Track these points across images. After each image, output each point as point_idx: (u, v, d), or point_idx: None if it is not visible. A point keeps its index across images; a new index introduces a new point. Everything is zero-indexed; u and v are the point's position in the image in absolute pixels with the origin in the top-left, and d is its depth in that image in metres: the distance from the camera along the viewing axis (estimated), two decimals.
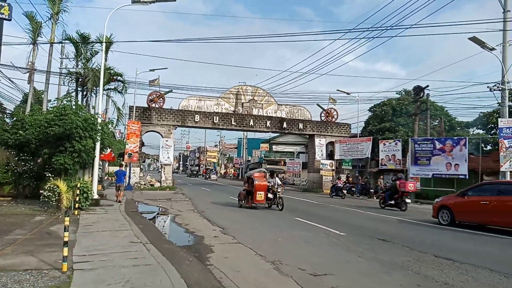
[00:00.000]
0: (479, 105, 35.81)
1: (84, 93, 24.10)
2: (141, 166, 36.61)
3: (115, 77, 24.41)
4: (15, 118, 15.44)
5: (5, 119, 21.41)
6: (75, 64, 24.36)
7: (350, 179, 28.54)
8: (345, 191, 24.86)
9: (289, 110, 32.98)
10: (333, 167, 31.80)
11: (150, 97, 29.30)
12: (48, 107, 20.51)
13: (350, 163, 32.04)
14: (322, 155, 32.56)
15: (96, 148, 14.18)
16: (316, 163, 32.57)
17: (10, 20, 12.40)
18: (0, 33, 13.18)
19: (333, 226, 11.00)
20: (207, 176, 59.40)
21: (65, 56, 25.37)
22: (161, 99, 29.47)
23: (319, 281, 5.61)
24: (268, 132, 36.96)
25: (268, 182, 15.26)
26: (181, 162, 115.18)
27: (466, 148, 20.87)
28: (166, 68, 34.08)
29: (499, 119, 18.72)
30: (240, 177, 63.35)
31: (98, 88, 19.65)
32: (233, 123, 30.85)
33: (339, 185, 25.46)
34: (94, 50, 24.00)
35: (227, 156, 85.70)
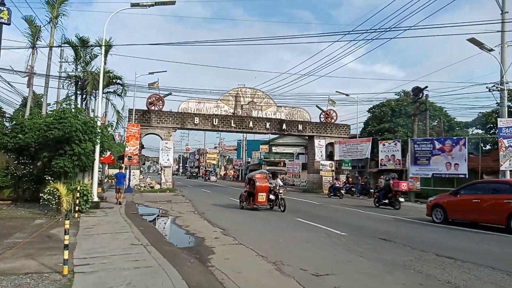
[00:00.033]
0: (478, 105, 35.95)
1: (84, 96, 24.13)
2: (141, 169, 36.61)
3: (114, 80, 24.43)
4: (14, 122, 15.43)
5: (4, 123, 21.37)
6: (74, 67, 24.40)
7: (350, 179, 28.58)
8: (343, 191, 25.10)
9: (289, 111, 33.00)
10: (333, 168, 31.80)
11: (149, 100, 29.30)
12: (47, 111, 20.49)
13: (349, 164, 32.06)
14: (321, 156, 32.57)
15: (96, 151, 14.16)
16: (315, 164, 32.57)
17: (9, 24, 12.36)
18: None
19: (334, 226, 11.00)
20: (207, 178, 59.65)
21: (65, 59, 25.42)
22: (160, 101, 29.47)
23: (321, 281, 5.59)
24: (267, 133, 36.97)
25: (270, 183, 15.15)
26: (180, 164, 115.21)
27: (465, 147, 20.88)
28: (166, 71, 34.19)
29: (499, 119, 18.76)
30: (239, 179, 63.37)
31: (97, 91, 19.68)
32: (232, 125, 30.86)
33: (337, 185, 25.68)
34: (94, 54, 24.07)
35: (227, 157, 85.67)
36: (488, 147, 30.00)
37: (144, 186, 27.69)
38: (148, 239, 8.25)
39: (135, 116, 28.09)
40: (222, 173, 77.28)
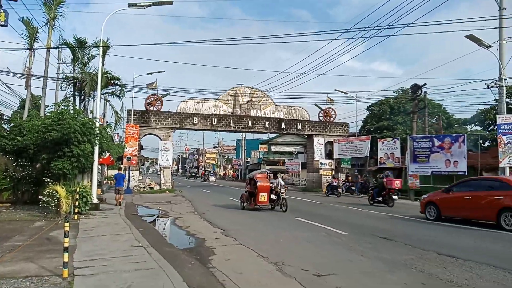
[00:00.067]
0: (477, 102, 35.92)
1: (82, 97, 24.10)
2: (140, 169, 36.52)
3: (112, 81, 24.39)
4: (12, 124, 15.38)
5: (2, 125, 21.31)
6: (72, 68, 24.36)
7: (350, 177, 28.59)
8: (340, 190, 25.27)
9: (287, 110, 32.98)
10: (332, 167, 31.80)
11: (148, 100, 29.25)
12: (45, 112, 20.43)
13: (349, 162, 32.04)
14: (321, 154, 32.56)
15: (95, 152, 14.12)
16: (315, 162, 32.56)
17: (6, 26, 12.31)
18: None
19: (334, 225, 10.98)
20: (206, 178, 59.79)
21: (62, 61, 25.34)
22: (159, 102, 29.42)
23: (322, 281, 5.57)
24: (266, 133, 36.93)
25: (271, 183, 14.97)
26: (180, 165, 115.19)
27: (464, 144, 20.88)
28: (164, 71, 34.04)
29: (497, 116, 18.75)
30: (239, 178, 63.39)
31: (95, 92, 19.65)
32: (231, 124, 30.82)
33: (334, 184, 25.80)
34: (91, 55, 24.07)
35: (226, 157, 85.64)
36: (487, 143, 30.02)
37: (144, 187, 27.66)
38: (148, 240, 8.22)
39: (133, 117, 28.04)
40: (222, 173, 77.27)
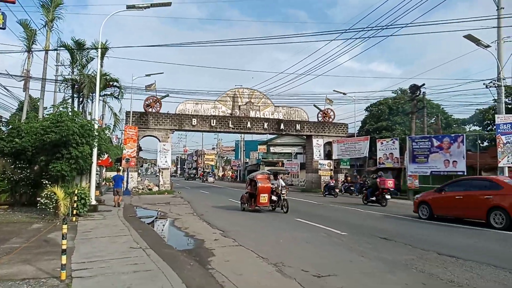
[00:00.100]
0: (475, 102, 35.97)
1: (80, 99, 24.01)
2: (139, 171, 36.46)
3: (111, 83, 24.34)
4: (11, 126, 15.33)
5: (1, 127, 21.23)
6: (70, 70, 24.26)
7: (349, 178, 28.58)
8: (337, 190, 25.49)
9: (286, 111, 32.95)
10: (331, 167, 31.79)
11: (146, 102, 29.21)
12: (44, 115, 20.37)
13: (348, 163, 32.03)
14: (320, 155, 32.54)
15: (93, 154, 14.07)
16: (314, 163, 32.54)
17: (4, 28, 12.28)
18: None
19: (333, 225, 10.95)
20: (204, 179, 59.88)
21: (61, 63, 25.33)
22: (157, 103, 29.39)
23: (323, 282, 5.53)
24: (265, 134, 36.90)
25: (272, 183, 14.82)
26: (178, 166, 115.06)
27: (463, 144, 20.87)
28: (162, 73, 33.96)
29: (496, 116, 18.76)
30: (238, 179, 63.35)
31: (94, 94, 19.59)
32: (230, 125, 30.79)
33: (331, 184, 25.96)
34: (90, 57, 23.97)
35: (225, 158, 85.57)
36: (485, 143, 30.03)
37: (142, 188, 27.60)
38: (147, 242, 8.17)
39: (132, 119, 27.99)
40: (220, 174, 77.20)
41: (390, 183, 18.62)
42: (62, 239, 5.41)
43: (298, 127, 32.57)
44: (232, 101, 31.35)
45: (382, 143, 26.66)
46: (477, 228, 10.75)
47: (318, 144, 32.69)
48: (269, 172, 16.27)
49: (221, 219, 12.62)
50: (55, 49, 23.69)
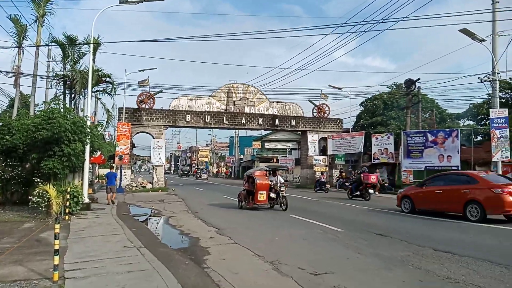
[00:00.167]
0: (469, 96, 36.18)
1: (72, 95, 23.76)
2: (132, 168, 36.26)
3: (103, 79, 24.09)
4: (1, 123, 15.04)
5: None
6: (62, 66, 23.97)
7: (344, 173, 28.61)
8: (328, 186, 25.69)
9: (281, 107, 32.85)
10: (326, 163, 31.81)
11: (140, 98, 28.93)
12: (35, 111, 20.09)
13: (343, 158, 32.07)
14: (315, 151, 32.51)
15: (86, 151, 13.91)
16: (309, 159, 32.53)
17: None
18: None
19: (329, 222, 10.91)
20: (198, 176, 59.98)
21: (52, 59, 24.95)
22: (151, 99, 29.13)
23: (320, 280, 5.47)
24: (260, 129, 36.82)
25: (270, 180, 14.37)
26: (172, 163, 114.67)
27: (458, 139, 20.94)
28: (156, 68, 33.66)
29: (490, 110, 18.80)
30: (232, 176, 63.29)
31: (86, 90, 19.34)
32: (225, 121, 30.63)
33: (323, 180, 26.04)
34: (82, 52, 23.68)
35: (219, 155, 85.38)
36: (479, 138, 30.22)
37: (136, 186, 27.41)
38: (141, 240, 8.07)
39: (125, 115, 27.70)
40: (215, 170, 77.07)
41: (373, 178, 19.37)
42: (55, 238, 5.30)
43: (293, 122, 32.51)
44: (226, 97, 31.17)
45: (377, 138, 26.69)
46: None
47: (313, 139, 32.66)
48: (268, 169, 15.77)
49: (216, 217, 12.53)
50: (47, 45, 23.38)
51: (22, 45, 21.12)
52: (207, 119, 30.17)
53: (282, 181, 15.05)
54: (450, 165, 20.90)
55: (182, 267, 6.09)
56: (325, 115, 33.80)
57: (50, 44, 23.30)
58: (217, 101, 31.00)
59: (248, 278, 5.61)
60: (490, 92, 18.89)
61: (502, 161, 18.07)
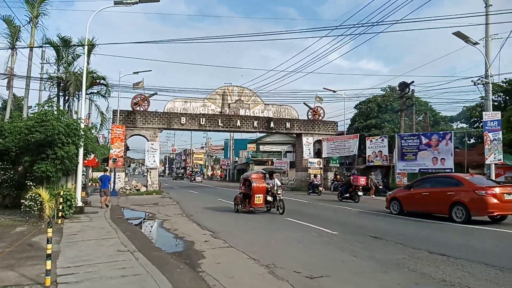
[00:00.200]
0: (462, 99, 36.48)
1: (66, 98, 23.57)
2: (126, 171, 36.01)
3: (98, 81, 23.95)
4: None
5: None
6: (56, 68, 23.79)
7: (338, 176, 28.63)
8: (321, 188, 26.09)
9: (276, 109, 32.86)
10: (321, 165, 31.86)
11: (134, 100, 28.78)
12: (28, 114, 19.90)
13: (337, 161, 32.15)
14: (309, 153, 32.55)
15: (79, 154, 13.77)
16: (304, 161, 32.54)
17: None
18: None
19: (324, 225, 10.89)
20: (192, 179, 60.05)
21: (46, 60, 24.78)
22: (145, 102, 28.99)
23: (316, 284, 5.45)
24: (255, 132, 36.76)
25: (267, 183, 14.15)
26: (167, 165, 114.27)
27: (451, 142, 21.08)
28: (150, 71, 33.50)
29: (484, 113, 18.94)
30: (227, 178, 63.19)
31: (80, 93, 19.25)
32: (220, 124, 30.57)
33: (315, 182, 26.39)
34: (76, 54, 23.54)
35: (214, 157, 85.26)
36: (472, 141, 30.45)
37: (130, 189, 27.23)
38: (135, 244, 7.98)
39: (119, 117, 27.55)
40: (210, 173, 76.91)
41: (362, 180, 19.85)
42: (47, 243, 5.21)
43: (288, 125, 32.53)
44: (221, 99, 31.13)
45: (371, 141, 26.80)
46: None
47: (308, 142, 32.70)
48: (264, 171, 15.48)
49: (211, 220, 12.46)
50: (40, 46, 23.19)
51: (16, 46, 20.94)
52: (202, 122, 30.09)
53: (279, 184, 14.84)
54: (444, 168, 21.02)
55: (177, 271, 6.03)
56: (320, 117, 33.87)
57: (44, 45, 23.15)
58: (212, 103, 30.94)
59: (244, 282, 5.57)
60: (483, 95, 19.03)
61: (495, 164, 18.19)
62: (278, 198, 13.92)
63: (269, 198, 13.99)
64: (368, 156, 26.77)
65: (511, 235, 9.79)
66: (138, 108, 28.67)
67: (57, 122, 11.89)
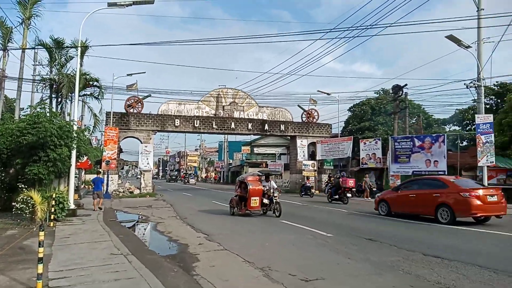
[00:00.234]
0: (455, 102, 36.80)
1: (59, 100, 23.36)
2: (119, 173, 35.77)
3: (91, 83, 23.78)
4: None
5: None
6: (49, 70, 23.60)
7: (332, 178, 28.67)
8: (313, 190, 26.58)
9: (271, 112, 32.89)
10: (315, 168, 31.90)
11: (128, 102, 28.63)
12: (20, 115, 19.71)
13: (331, 163, 32.21)
14: (304, 156, 32.60)
15: (72, 156, 13.66)
16: (298, 164, 32.57)
17: None
18: None
19: (318, 227, 10.89)
20: (186, 181, 59.99)
21: (39, 62, 24.56)
22: (139, 104, 28.85)
23: (311, 286, 5.42)
24: (249, 134, 36.73)
25: (263, 186, 13.99)
26: (160, 168, 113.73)
27: (444, 144, 21.19)
28: (144, 73, 33.15)
29: (476, 115, 19.11)
30: (221, 181, 63.05)
31: (73, 94, 19.07)
32: (214, 126, 30.52)
33: (308, 184, 26.63)
34: (69, 56, 23.35)
35: (208, 159, 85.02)
36: (465, 143, 30.69)
37: (123, 191, 27.02)
38: (128, 247, 7.90)
39: (113, 119, 27.37)
40: (204, 175, 76.70)
41: (351, 182, 20.31)
42: (39, 246, 5.13)
43: (282, 127, 32.56)
44: (216, 102, 31.08)
45: (365, 143, 26.90)
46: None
47: (302, 144, 32.76)
48: (261, 174, 15.24)
49: (205, 223, 12.39)
50: (33, 48, 22.99)
51: (8, 47, 20.74)
52: (196, 124, 30.01)
53: (275, 186, 14.70)
54: (437, 170, 21.10)
55: (171, 275, 5.97)
56: (314, 120, 33.96)
57: (36, 47, 22.94)
58: (206, 105, 30.88)
59: (238, 285, 5.53)
60: (476, 98, 19.20)
61: (488, 166, 18.34)
62: (274, 200, 13.81)
63: (266, 201, 13.86)
64: (362, 158, 26.85)
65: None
66: (131, 110, 28.53)
67: (49, 124, 11.79)
